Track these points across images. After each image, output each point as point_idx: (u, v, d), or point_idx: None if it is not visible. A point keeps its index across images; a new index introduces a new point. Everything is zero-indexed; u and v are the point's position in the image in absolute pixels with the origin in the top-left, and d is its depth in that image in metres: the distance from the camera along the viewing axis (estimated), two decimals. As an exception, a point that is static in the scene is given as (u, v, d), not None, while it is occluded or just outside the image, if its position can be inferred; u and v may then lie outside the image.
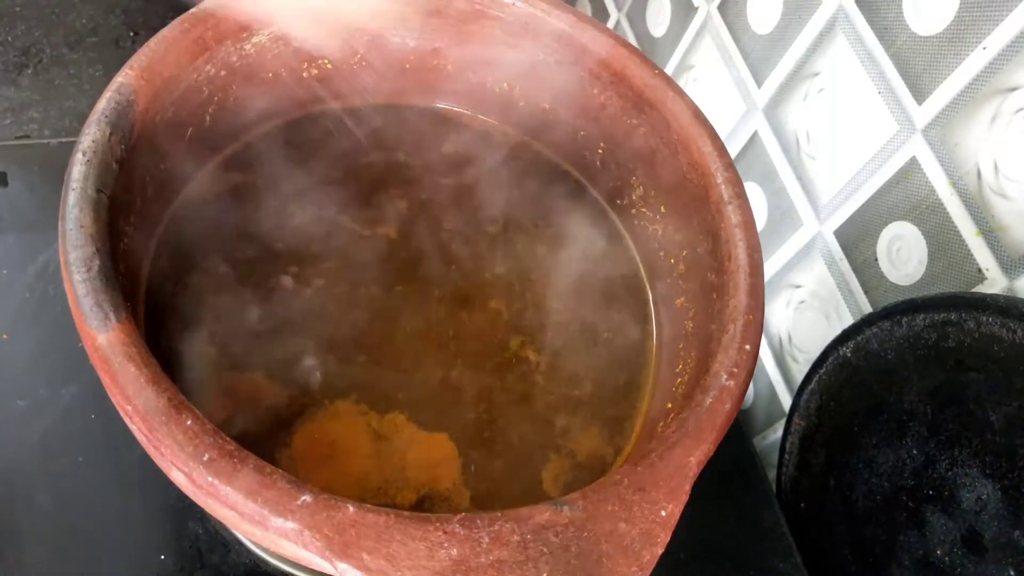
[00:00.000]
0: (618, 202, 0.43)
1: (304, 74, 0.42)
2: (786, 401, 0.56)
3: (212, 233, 0.37)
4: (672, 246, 0.39)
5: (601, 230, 0.43)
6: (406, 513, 0.23)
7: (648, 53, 0.71)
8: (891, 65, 0.45)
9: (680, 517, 0.25)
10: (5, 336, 0.42)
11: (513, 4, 0.40)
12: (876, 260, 0.47)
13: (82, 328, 0.25)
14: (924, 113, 0.43)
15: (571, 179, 0.45)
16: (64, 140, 0.50)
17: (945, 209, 0.42)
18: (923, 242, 0.44)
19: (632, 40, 0.75)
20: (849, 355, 0.44)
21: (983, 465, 0.36)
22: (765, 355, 0.58)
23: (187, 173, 0.38)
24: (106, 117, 0.30)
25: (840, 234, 0.50)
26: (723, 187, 0.35)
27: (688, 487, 0.26)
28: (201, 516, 0.38)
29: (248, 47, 0.38)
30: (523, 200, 0.43)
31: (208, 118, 0.38)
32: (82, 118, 0.39)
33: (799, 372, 0.55)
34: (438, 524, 0.23)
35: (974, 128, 0.40)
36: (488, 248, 0.41)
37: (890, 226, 0.46)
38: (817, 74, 0.50)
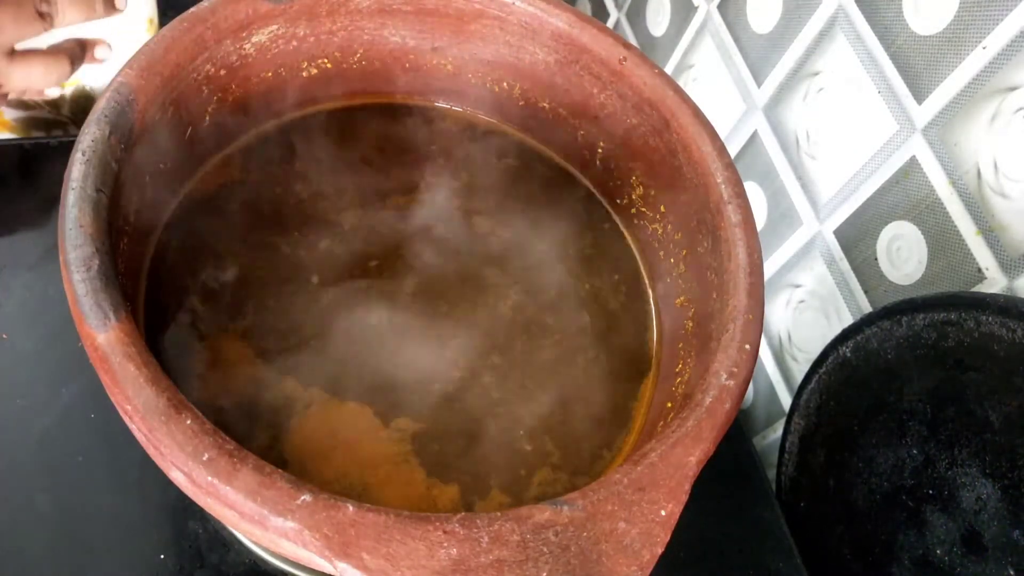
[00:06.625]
0: (618, 202, 0.43)
1: (304, 74, 0.42)
2: (786, 401, 0.56)
3: (212, 232, 0.37)
4: (672, 246, 0.39)
5: (601, 230, 0.43)
6: (406, 512, 0.23)
7: (648, 53, 0.71)
8: (891, 65, 0.45)
9: (680, 517, 0.25)
10: (5, 336, 0.42)
11: (513, 4, 0.40)
12: (876, 259, 0.47)
13: (82, 328, 0.25)
14: (924, 113, 0.43)
15: (571, 179, 0.45)
16: (64, 140, 0.50)
17: (945, 208, 0.42)
18: (923, 242, 0.44)
19: (632, 40, 0.75)
20: (849, 354, 0.44)
21: (983, 465, 0.36)
22: (765, 355, 0.58)
23: (187, 172, 0.38)
24: (106, 117, 0.30)
25: (840, 234, 0.50)
26: (723, 187, 0.35)
27: (688, 487, 0.26)
28: (201, 516, 0.38)
29: (248, 47, 0.38)
30: (523, 199, 0.43)
31: (208, 118, 0.38)
32: (82, 118, 0.38)
33: (799, 372, 0.55)
34: (438, 524, 0.23)
35: (974, 127, 0.40)
36: (487, 247, 0.41)
37: (890, 225, 0.46)
38: (817, 73, 0.50)
